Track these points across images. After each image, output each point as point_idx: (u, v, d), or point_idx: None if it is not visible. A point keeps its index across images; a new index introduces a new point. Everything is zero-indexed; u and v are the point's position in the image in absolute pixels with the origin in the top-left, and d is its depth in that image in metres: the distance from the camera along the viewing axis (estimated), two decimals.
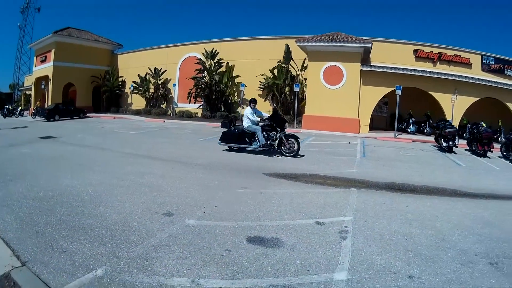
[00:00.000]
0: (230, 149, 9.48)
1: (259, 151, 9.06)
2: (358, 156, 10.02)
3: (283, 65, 18.28)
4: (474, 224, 4.48)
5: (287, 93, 18.59)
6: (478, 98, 17.19)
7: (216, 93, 19.87)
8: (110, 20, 75.34)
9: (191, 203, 4.40)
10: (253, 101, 9.12)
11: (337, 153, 10.04)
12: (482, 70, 19.08)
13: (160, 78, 22.79)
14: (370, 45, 16.30)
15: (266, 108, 20.28)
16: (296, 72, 19.02)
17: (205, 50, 20.60)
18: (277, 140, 8.94)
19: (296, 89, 16.97)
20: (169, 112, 22.34)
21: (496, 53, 19.35)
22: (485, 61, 19.28)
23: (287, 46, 18.24)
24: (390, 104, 18.64)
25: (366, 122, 16.84)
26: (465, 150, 13.55)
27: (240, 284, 2.43)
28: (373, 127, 17.84)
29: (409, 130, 17.28)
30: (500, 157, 12.31)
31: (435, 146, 13.51)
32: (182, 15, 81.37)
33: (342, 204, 4.97)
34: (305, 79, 18.19)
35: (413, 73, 16.71)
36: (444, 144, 12.72)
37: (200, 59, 20.64)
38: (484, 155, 12.27)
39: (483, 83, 17.17)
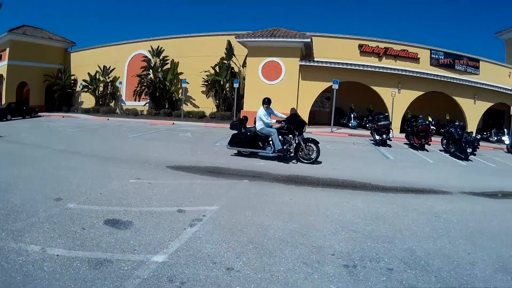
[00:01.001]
0: (239, 154, 8.55)
1: (273, 156, 8.15)
2: None
3: (224, 62, 18.05)
4: (359, 219, 4.18)
5: (228, 89, 18.39)
6: (423, 92, 17.09)
7: (160, 91, 19.66)
8: (65, 16, 74.72)
9: (82, 191, 4.86)
10: (266, 101, 8.10)
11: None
12: (431, 64, 19.13)
13: (109, 76, 22.57)
14: (309, 40, 15.91)
15: (209, 105, 20.46)
16: (238, 68, 18.76)
17: (151, 48, 20.31)
18: (295, 145, 8.05)
19: (235, 85, 16.63)
20: (117, 110, 22.05)
21: (449, 48, 19.71)
22: (434, 56, 19.44)
23: (229, 43, 17.91)
24: (332, 99, 19.29)
25: (304, 117, 16.17)
26: (404, 143, 13.47)
27: (72, 254, 2.89)
28: (315, 122, 17.58)
29: (350, 124, 17.16)
30: (440, 150, 12.37)
31: (371, 140, 13.27)
32: (134, 11, 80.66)
33: (220, 194, 4.96)
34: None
35: (353, 67, 16.48)
36: (377, 137, 12.54)
37: (146, 57, 20.47)
38: (421, 148, 12.20)
39: (428, 77, 16.99)
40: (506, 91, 18.38)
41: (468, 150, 10.80)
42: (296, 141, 8.03)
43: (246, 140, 8.22)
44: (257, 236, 3.49)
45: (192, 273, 2.65)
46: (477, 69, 19.73)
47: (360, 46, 18.09)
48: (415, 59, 18.58)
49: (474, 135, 17.04)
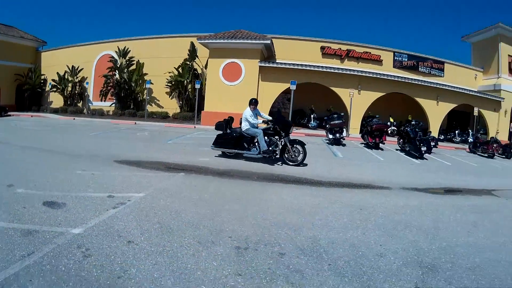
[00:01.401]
0: (224, 155, 8.37)
1: (258, 158, 8.00)
2: None
3: (187, 63, 18.20)
4: (276, 209, 4.32)
5: (190, 90, 18.49)
6: (384, 93, 17.41)
7: (125, 91, 19.77)
8: (37, 15, 74.48)
9: (33, 179, 5.30)
10: (253, 102, 8.03)
11: (207, 145, 9.71)
12: (394, 66, 19.31)
13: (77, 76, 22.63)
14: (269, 42, 16.08)
15: (173, 106, 20.67)
16: (201, 69, 18.88)
17: (118, 48, 20.41)
18: (281, 146, 7.93)
19: (197, 86, 16.71)
20: (85, 110, 22.12)
21: (417, 52, 19.72)
22: (397, 58, 19.81)
23: (192, 44, 18.00)
24: (290, 100, 19.70)
25: None
26: (361, 143, 13.68)
27: (10, 225, 3.37)
28: None
29: (310, 125, 17.44)
30: (397, 149, 12.55)
31: (327, 139, 13.39)
32: (104, 11, 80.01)
33: (152, 184, 5.28)
34: None
35: (313, 68, 16.72)
36: (330, 136, 12.73)
37: (113, 57, 20.58)
38: (376, 147, 12.36)
39: (388, 78, 17.34)
40: (470, 92, 18.75)
41: (422, 149, 10.92)
42: (282, 143, 7.90)
43: (231, 141, 8.08)
44: (167, 219, 3.79)
45: (98, 243, 3.09)
46: (442, 71, 20.34)
47: (322, 48, 18.52)
48: (377, 61, 19.05)
49: (436, 135, 17.76)
